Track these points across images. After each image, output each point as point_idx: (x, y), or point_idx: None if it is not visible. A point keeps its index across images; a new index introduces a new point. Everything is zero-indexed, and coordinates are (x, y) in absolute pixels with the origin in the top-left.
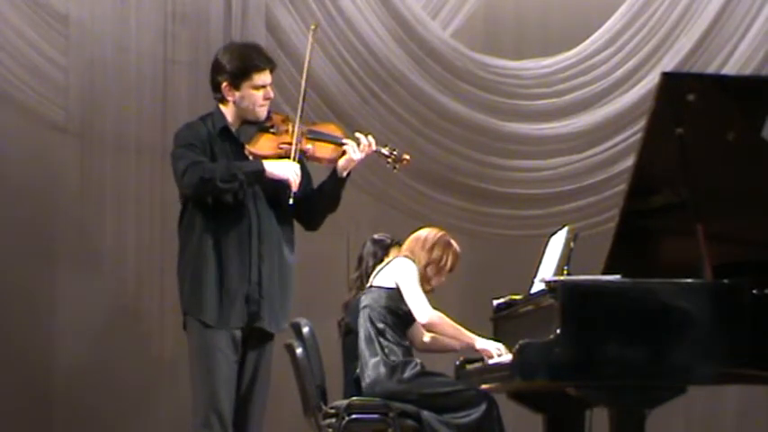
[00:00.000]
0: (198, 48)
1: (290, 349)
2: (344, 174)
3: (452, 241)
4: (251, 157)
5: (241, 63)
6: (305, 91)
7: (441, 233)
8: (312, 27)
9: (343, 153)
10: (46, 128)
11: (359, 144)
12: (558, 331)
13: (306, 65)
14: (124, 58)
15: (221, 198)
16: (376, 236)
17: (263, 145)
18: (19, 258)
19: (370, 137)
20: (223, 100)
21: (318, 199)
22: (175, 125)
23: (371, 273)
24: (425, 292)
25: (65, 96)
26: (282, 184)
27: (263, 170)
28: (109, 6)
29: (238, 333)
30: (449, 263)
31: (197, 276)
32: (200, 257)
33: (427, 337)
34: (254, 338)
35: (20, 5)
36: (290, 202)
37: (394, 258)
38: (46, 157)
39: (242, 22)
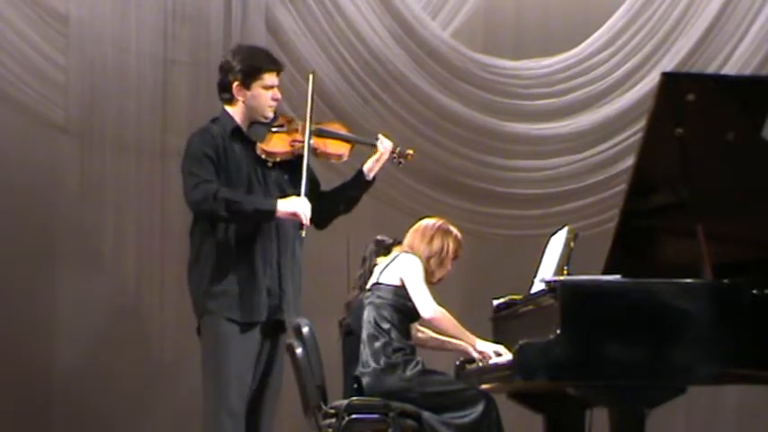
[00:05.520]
0: (198, 48)
1: (290, 349)
2: (371, 176)
3: (452, 228)
4: (263, 156)
5: (252, 63)
6: (312, 97)
7: (439, 222)
8: (311, 75)
9: (352, 148)
10: (46, 128)
11: (381, 145)
12: (558, 331)
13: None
14: (124, 58)
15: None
16: (378, 237)
17: (276, 143)
18: (19, 258)
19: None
20: (231, 101)
21: (336, 200)
22: (175, 125)
23: (373, 272)
24: (432, 284)
25: (65, 96)
26: (296, 188)
27: (274, 211)
28: (109, 6)
29: (258, 335)
30: (450, 251)
31: (218, 276)
32: (224, 255)
33: (420, 333)
34: (269, 331)
35: (20, 5)
36: (302, 234)
37: (397, 255)
38: (46, 157)
39: (242, 22)
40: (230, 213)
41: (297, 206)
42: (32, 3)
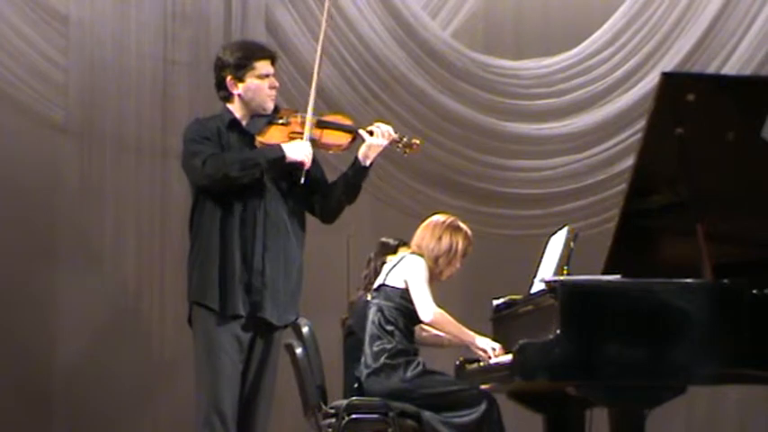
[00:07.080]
0: (198, 48)
1: (290, 349)
2: (367, 162)
3: (461, 225)
4: None
5: (242, 53)
6: (318, 69)
7: (449, 219)
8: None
9: (354, 139)
10: (46, 128)
11: (377, 131)
12: (558, 331)
13: (319, 46)
14: (124, 58)
15: (237, 185)
16: (383, 239)
17: (272, 135)
18: (19, 258)
19: (389, 126)
20: (229, 97)
21: (337, 189)
22: (175, 125)
23: (379, 272)
24: (439, 281)
25: (65, 96)
26: (294, 169)
27: (283, 156)
28: (109, 6)
29: (244, 332)
30: (459, 249)
31: (203, 264)
32: (208, 246)
33: (425, 332)
34: (261, 331)
35: (20, 5)
36: (302, 180)
37: (404, 255)
38: (46, 157)
39: (242, 22)
40: (246, 170)
41: (299, 151)
42: (32, 3)
